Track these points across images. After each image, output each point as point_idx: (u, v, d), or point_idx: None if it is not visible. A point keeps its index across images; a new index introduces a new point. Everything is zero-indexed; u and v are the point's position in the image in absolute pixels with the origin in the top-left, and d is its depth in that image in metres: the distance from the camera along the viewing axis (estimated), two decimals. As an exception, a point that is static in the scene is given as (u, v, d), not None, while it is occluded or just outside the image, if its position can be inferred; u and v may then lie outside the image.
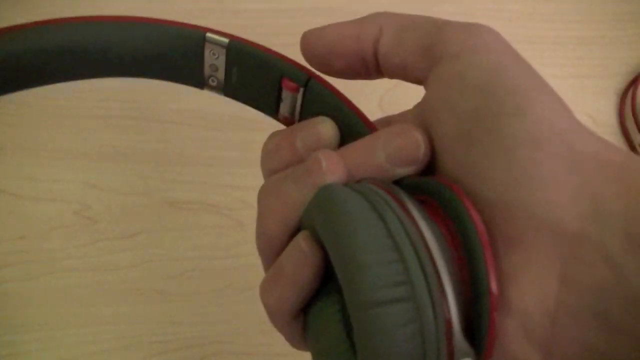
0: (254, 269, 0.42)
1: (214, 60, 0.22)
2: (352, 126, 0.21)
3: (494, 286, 0.16)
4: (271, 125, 0.48)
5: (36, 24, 0.19)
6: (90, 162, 0.43)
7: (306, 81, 0.22)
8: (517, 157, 0.16)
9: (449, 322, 0.15)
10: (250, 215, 0.43)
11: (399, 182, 0.19)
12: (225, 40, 0.22)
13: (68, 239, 0.41)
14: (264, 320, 0.41)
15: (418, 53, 0.21)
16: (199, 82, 0.24)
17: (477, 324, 0.16)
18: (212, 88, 0.24)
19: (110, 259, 0.41)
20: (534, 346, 0.16)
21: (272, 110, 0.24)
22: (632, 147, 0.48)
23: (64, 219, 0.41)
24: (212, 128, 0.45)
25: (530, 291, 0.16)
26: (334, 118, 0.22)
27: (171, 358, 0.40)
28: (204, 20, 0.48)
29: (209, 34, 0.22)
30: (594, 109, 0.49)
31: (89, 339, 0.39)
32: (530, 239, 0.16)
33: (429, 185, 0.18)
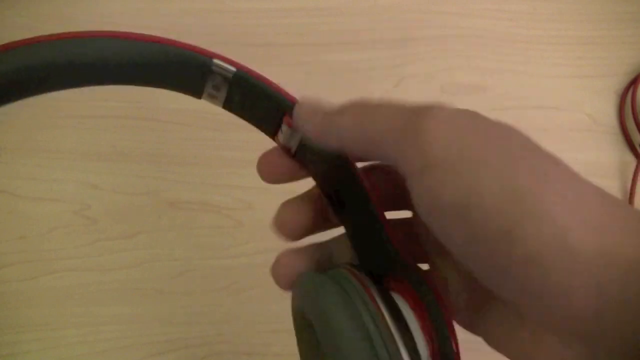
0: (254, 269, 0.42)
1: (217, 82, 0.23)
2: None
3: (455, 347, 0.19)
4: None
5: (50, 38, 0.20)
6: (90, 162, 0.43)
7: None
8: (514, 277, 0.16)
9: None
10: (250, 215, 0.43)
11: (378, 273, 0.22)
12: (232, 69, 0.23)
13: (68, 239, 0.41)
14: (264, 320, 0.41)
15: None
16: (198, 93, 0.24)
17: None
18: (210, 99, 0.24)
19: (110, 259, 0.41)
20: None
21: (269, 133, 0.25)
22: (632, 147, 0.48)
23: (64, 219, 0.41)
24: (212, 128, 0.45)
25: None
26: (334, 159, 0.23)
27: (171, 358, 0.40)
28: (204, 20, 0.48)
29: (216, 61, 0.22)
30: (594, 109, 0.49)
31: (89, 339, 0.39)
32: (559, 324, 0.16)
33: (405, 272, 0.21)
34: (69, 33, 0.20)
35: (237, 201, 0.43)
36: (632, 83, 0.49)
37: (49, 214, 0.41)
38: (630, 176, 0.46)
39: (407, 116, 0.18)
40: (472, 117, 0.18)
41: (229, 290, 0.41)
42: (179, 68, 0.22)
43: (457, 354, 0.20)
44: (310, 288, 0.21)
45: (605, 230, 0.16)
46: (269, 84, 0.23)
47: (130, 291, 0.41)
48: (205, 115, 0.45)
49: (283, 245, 0.45)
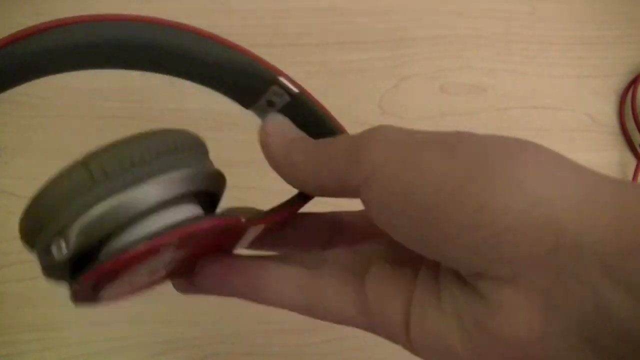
0: (254, 269, 0.42)
1: (274, 98, 0.24)
2: None
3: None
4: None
5: (134, 19, 0.22)
6: (90, 162, 0.43)
7: None
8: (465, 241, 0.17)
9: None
10: (250, 215, 0.43)
11: None
12: (295, 90, 0.23)
13: (68, 239, 0.41)
14: (264, 320, 0.41)
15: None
16: (248, 104, 0.25)
17: None
18: (257, 112, 0.25)
19: (110, 259, 0.41)
20: None
21: None
22: (632, 147, 0.48)
23: (64, 219, 0.41)
24: (212, 128, 0.45)
25: (516, 320, 0.16)
26: None
27: (171, 358, 0.40)
28: (204, 20, 0.48)
29: (281, 79, 0.23)
30: (594, 109, 0.49)
31: (89, 339, 0.39)
32: (511, 276, 0.16)
33: None
34: (156, 19, 0.22)
35: (237, 201, 0.43)
36: (632, 83, 0.49)
37: (49, 214, 0.41)
38: (630, 176, 0.46)
39: (350, 142, 0.20)
40: (409, 132, 0.19)
41: (229, 290, 0.41)
42: (243, 75, 0.23)
43: None
44: None
45: (564, 180, 0.17)
46: (325, 112, 0.23)
47: (130, 291, 0.41)
48: (205, 115, 0.45)
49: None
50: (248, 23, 0.48)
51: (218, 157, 0.45)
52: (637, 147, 0.47)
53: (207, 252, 0.22)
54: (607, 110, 0.49)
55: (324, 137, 0.23)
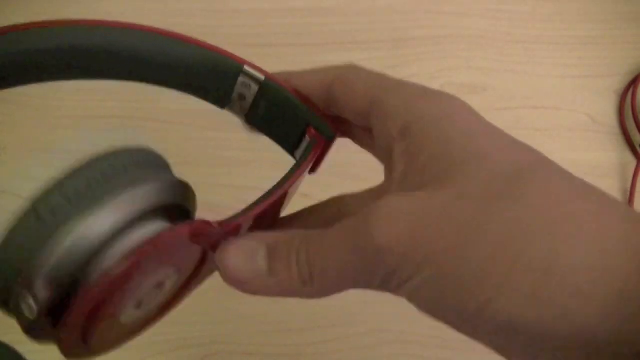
0: (254, 269, 0.42)
1: (244, 90, 0.23)
2: None
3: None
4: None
5: (89, 23, 0.21)
6: (90, 162, 0.43)
7: (332, 137, 0.23)
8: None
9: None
10: (250, 215, 0.43)
11: None
12: (261, 77, 0.22)
13: (68, 239, 0.41)
14: (264, 320, 0.41)
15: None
16: (222, 103, 0.24)
17: None
18: (233, 111, 0.24)
19: (110, 259, 0.41)
20: None
21: (289, 148, 0.24)
22: (632, 147, 0.48)
23: (64, 219, 0.41)
24: (212, 128, 0.45)
25: None
26: None
27: (171, 358, 0.40)
28: (204, 20, 0.48)
29: (246, 67, 0.22)
30: (594, 109, 0.49)
31: (89, 339, 0.39)
32: None
33: None
34: (105, 21, 0.20)
35: (237, 201, 0.43)
36: (632, 83, 0.49)
37: (49, 214, 0.41)
38: (630, 176, 0.46)
39: (352, 237, 0.17)
40: (419, 200, 0.17)
41: (229, 290, 0.41)
42: (207, 72, 0.22)
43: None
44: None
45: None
46: (298, 95, 0.22)
47: (130, 291, 0.41)
48: (205, 115, 0.45)
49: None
50: (248, 23, 0.48)
51: (218, 157, 0.45)
52: (637, 147, 0.47)
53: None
54: (607, 110, 0.49)
55: (300, 122, 0.22)
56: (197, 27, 0.47)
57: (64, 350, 0.19)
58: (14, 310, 0.18)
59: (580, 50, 0.51)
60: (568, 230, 0.15)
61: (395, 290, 0.17)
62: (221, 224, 0.20)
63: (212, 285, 0.42)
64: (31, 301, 0.17)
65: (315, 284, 0.18)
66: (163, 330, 0.40)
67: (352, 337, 0.41)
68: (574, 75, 0.50)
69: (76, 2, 0.47)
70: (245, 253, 0.20)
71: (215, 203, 0.45)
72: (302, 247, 0.18)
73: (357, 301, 0.42)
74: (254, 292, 0.20)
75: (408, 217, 0.16)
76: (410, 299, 0.17)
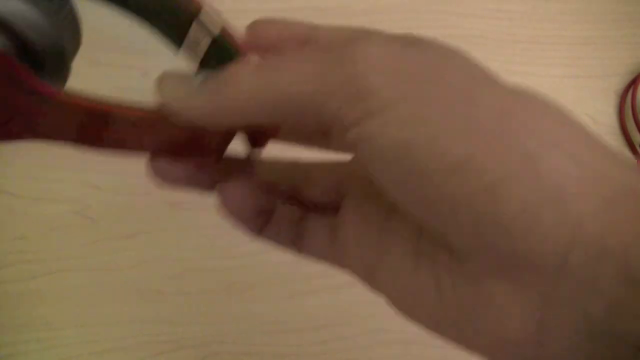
0: (254, 269, 0.42)
1: (199, 36, 0.21)
2: None
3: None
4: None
5: None
6: (90, 162, 0.43)
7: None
8: (465, 210, 0.14)
9: None
10: (250, 215, 0.43)
11: None
12: (215, 31, 0.21)
13: (68, 239, 0.41)
14: (264, 320, 0.41)
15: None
16: (179, 43, 0.22)
17: None
18: (189, 54, 0.22)
19: (110, 259, 0.41)
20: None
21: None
22: (632, 147, 0.48)
23: (64, 219, 0.41)
24: (212, 128, 0.45)
25: (508, 317, 0.15)
26: None
27: (171, 358, 0.40)
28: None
29: (202, 14, 0.21)
30: (594, 109, 0.49)
31: (89, 339, 0.39)
32: (511, 273, 0.15)
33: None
34: None
35: (237, 201, 0.43)
36: (632, 83, 0.49)
37: (49, 214, 0.41)
38: (630, 176, 0.46)
39: (327, 55, 0.16)
40: (415, 43, 0.16)
41: (229, 290, 0.41)
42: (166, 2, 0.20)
43: None
44: None
45: (582, 158, 0.14)
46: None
47: (130, 291, 0.41)
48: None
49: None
50: (247, 23, 0.48)
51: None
52: (637, 147, 0.47)
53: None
54: (607, 110, 0.49)
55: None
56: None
57: None
58: None
59: (580, 50, 0.51)
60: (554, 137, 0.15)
61: (352, 124, 0.15)
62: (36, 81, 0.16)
63: (212, 285, 0.42)
64: None
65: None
66: (163, 330, 0.41)
67: (352, 337, 0.41)
68: (573, 75, 0.50)
69: (77, 2, 0.47)
70: (181, 77, 0.18)
71: (215, 203, 0.45)
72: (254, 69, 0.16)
73: (357, 301, 0.42)
74: (181, 114, 0.17)
75: (393, 57, 0.15)
76: (364, 140, 0.15)
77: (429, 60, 0.16)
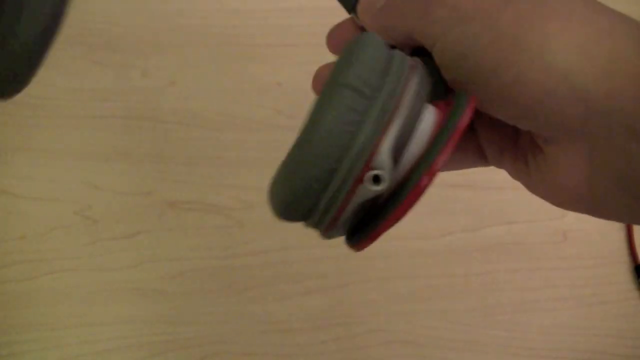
0: (254, 269, 0.42)
1: None
2: None
3: (440, 159, 0.18)
4: (270, 125, 0.49)
5: None
6: (90, 162, 0.43)
7: None
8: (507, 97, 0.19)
9: (383, 133, 0.18)
10: (250, 215, 0.43)
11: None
12: None
13: (68, 239, 0.41)
14: (263, 320, 0.41)
15: None
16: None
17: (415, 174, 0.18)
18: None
19: (110, 259, 0.41)
20: (585, 211, 0.21)
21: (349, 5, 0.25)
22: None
23: (64, 219, 0.41)
24: (212, 128, 0.45)
25: (567, 171, 0.20)
26: None
27: (171, 358, 0.40)
28: (204, 19, 0.48)
29: None
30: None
31: (89, 339, 0.39)
32: (557, 138, 0.19)
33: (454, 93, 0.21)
34: None
35: (237, 201, 0.43)
36: (632, 83, 0.49)
37: (49, 214, 0.41)
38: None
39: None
40: None
41: (229, 290, 0.41)
42: None
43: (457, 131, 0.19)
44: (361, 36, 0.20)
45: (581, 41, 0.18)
46: None
47: (130, 291, 0.41)
48: (205, 115, 0.45)
49: (283, 245, 0.46)
50: (249, 23, 0.48)
51: (218, 157, 0.45)
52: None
53: None
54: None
55: None
56: (198, 27, 0.47)
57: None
58: (341, 188, 0.18)
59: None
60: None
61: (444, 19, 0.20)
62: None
63: (212, 285, 0.42)
64: (382, 173, 0.18)
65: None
66: (163, 330, 0.41)
67: (352, 337, 0.41)
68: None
69: (76, 3, 0.47)
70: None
71: (215, 203, 0.45)
72: None
73: (357, 301, 0.42)
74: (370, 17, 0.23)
75: None
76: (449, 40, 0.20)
77: None
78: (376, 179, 0.18)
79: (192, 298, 0.41)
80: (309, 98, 0.23)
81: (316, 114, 0.18)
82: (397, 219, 0.18)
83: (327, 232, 0.20)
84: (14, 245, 0.40)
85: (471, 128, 0.24)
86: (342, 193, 0.18)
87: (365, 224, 0.19)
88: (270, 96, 0.46)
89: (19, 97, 0.48)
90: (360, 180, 0.18)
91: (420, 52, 0.21)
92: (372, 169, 0.18)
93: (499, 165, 0.24)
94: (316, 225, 0.19)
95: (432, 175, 0.17)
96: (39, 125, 0.43)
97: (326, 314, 0.42)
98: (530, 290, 0.45)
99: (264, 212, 0.45)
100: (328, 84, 0.19)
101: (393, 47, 0.21)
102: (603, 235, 0.47)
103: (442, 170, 0.18)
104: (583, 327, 0.45)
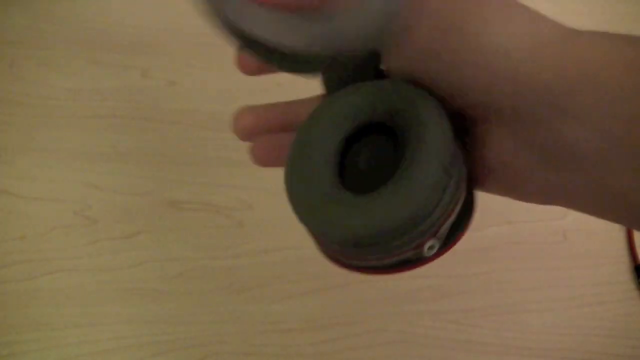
0: (254, 269, 0.42)
1: None
2: None
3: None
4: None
5: None
6: (90, 162, 0.43)
7: None
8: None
9: (452, 211, 0.20)
10: (250, 215, 0.43)
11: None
12: None
13: (68, 239, 0.41)
14: (263, 320, 0.41)
15: None
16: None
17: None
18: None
19: (110, 259, 0.41)
20: (500, 191, 0.22)
21: None
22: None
23: (64, 219, 0.41)
24: (212, 128, 0.45)
25: (492, 147, 0.21)
26: None
27: (171, 358, 0.40)
28: (204, 20, 0.48)
29: None
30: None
31: (89, 339, 0.39)
32: (486, 116, 0.21)
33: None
34: None
35: (237, 201, 0.43)
36: (632, 83, 0.49)
37: (49, 214, 0.41)
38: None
39: None
40: None
41: (229, 290, 0.41)
42: None
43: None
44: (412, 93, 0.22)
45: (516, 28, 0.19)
46: None
47: (130, 291, 0.41)
48: (205, 115, 0.45)
49: (283, 245, 0.46)
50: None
51: (218, 157, 0.45)
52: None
53: None
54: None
55: None
56: (199, 27, 0.47)
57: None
58: (406, 249, 0.21)
59: (580, 51, 0.51)
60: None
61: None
62: None
63: (212, 285, 0.42)
64: (434, 243, 0.20)
65: None
66: (163, 330, 0.41)
67: (352, 337, 0.41)
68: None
69: (73, 4, 0.47)
70: None
71: (215, 203, 0.45)
72: None
73: (357, 301, 0.42)
74: None
75: None
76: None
77: None
78: (431, 247, 0.20)
79: (192, 298, 0.41)
80: (309, 98, 0.23)
81: (414, 179, 0.20)
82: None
83: (358, 265, 0.22)
84: (14, 245, 0.40)
85: None
86: (401, 249, 0.20)
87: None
88: (270, 96, 0.46)
89: (19, 97, 0.48)
90: (420, 249, 0.20)
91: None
92: (435, 238, 0.20)
93: None
94: (358, 255, 0.21)
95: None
96: (39, 125, 0.43)
97: (326, 314, 0.42)
98: (530, 290, 0.45)
99: (264, 212, 0.45)
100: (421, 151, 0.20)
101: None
102: (603, 235, 0.47)
103: None
104: (583, 327, 0.45)
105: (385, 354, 0.42)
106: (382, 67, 0.23)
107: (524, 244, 0.46)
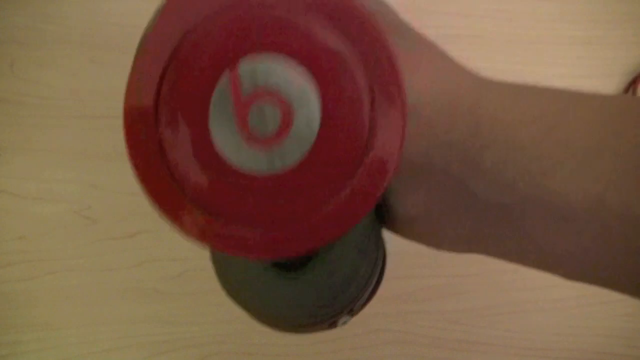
0: (254, 269, 0.42)
1: None
2: None
3: None
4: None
5: None
6: (90, 162, 0.43)
7: None
8: None
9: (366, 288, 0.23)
10: (250, 215, 0.43)
11: None
12: None
13: (68, 239, 0.41)
14: (264, 320, 0.41)
15: None
16: None
17: None
18: None
19: (110, 259, 0.41)
20: (420, 240, 0.22)
21: None
22: (632, 147, 0.48)
23: (64, 219, 0.41)
24: (212, 128, 0.45)
25: (405, 202, 0.21)
26: None
27: (171, 358, 0.40)
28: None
29: None
30: (594, 109, 0.49)
31: (89, 339, 0.39)
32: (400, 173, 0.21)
33: None
34: None
35: (237, 201, 0.43)
36: (632, 83, 0.49)
37: (49, 214, 0.41)
38: (630, 176, 0.46)
39: None
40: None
41: (229, 290, 0.41)
42: None
43: None
44: None
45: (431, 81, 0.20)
46: None
47: (130, 291, 0.41)
48: (205, 115, 0.45)
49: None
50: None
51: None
52: (637, 147, 0.47)
53: None
54: (607, 110, 0.49)
55: None
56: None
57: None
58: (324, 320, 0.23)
59: (580, 50, 0.51)
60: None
61: None
62: None
63: (212, 285, 0.42)
64: (347, 318, 0.22)
65: None
66: (163, 330, 0.41)
67: (352, 337, 0.41)
68: (574, 75, 0.50)
69: (73, 4, 0.47)
70: None
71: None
72: None
73: (357, 301, 0.42)
74: None
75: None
76: None
77: None
78: (344, 322, 0.22)
79: (192, 298, 0.41)
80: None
81: (334, 263, 0.21)
82: None
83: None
84: (14, 245, 0.40)
85: None
86: (315, 327, 0.22)
87: None
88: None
89: (19, 97, 0.48)
90: (334, 324, 0.22)
91: None
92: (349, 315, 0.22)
93: None
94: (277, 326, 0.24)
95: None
96: (39, 125, 0.43)
97: (326, 314, 0.42)
98: (530, 290, 0.45)
99: (264, 212, 0.45)
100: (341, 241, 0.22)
101: None
102: (603, 235, 0.47)
103: None
104: (583, 327, 0.45)
105: (385, 354, 0.42)
106: None
107: (524, 244, 0.46)
